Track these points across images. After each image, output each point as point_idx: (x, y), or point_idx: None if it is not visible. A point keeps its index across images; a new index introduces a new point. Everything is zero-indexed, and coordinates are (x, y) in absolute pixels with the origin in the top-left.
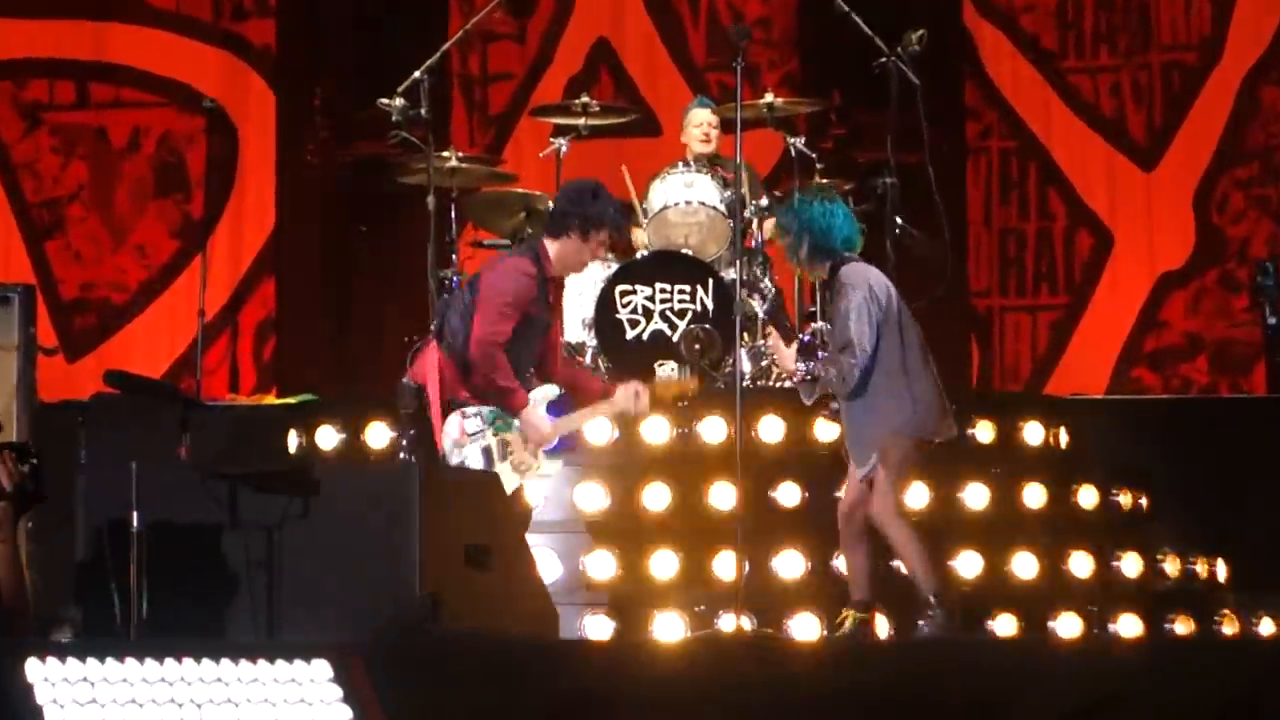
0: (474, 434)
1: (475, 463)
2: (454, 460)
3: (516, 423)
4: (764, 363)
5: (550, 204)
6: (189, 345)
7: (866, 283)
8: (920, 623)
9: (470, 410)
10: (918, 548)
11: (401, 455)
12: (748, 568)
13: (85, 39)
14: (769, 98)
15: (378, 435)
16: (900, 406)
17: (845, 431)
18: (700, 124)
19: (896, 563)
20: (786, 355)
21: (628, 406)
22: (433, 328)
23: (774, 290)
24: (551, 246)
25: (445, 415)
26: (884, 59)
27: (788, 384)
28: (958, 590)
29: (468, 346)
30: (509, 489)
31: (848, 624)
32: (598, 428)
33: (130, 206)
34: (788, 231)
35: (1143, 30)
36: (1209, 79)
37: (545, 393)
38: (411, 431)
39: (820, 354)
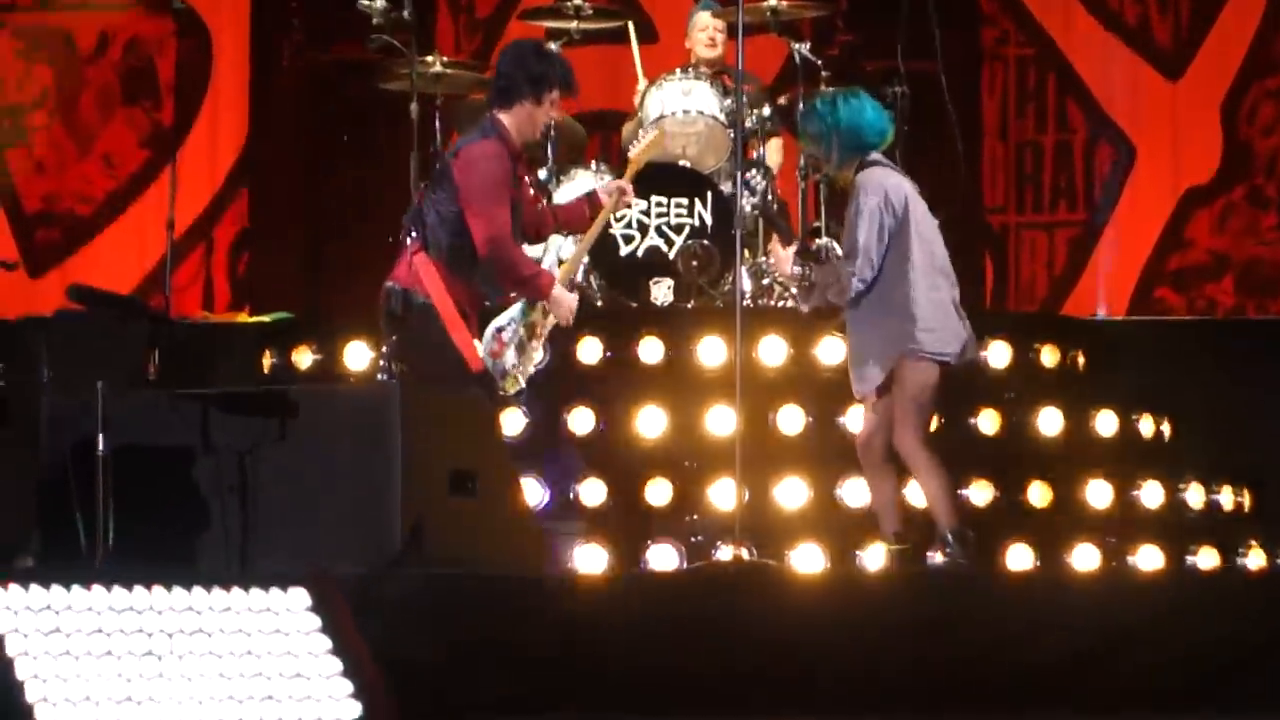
0: (510, 339)
1: (511, 361)
2: (497, 369)
3: (538, 302)
4: (765, 280)
5: (494, 75)
6: (159, 261)
7: (883, 188)
8: (931, 554)
9: (503, 320)
10: (942, 482)
11: (380, 375)
12: (747, 496)
13: None
14: (773, 1)
15: (357, 355)
16: (912, 325)
17: (848, 347)
18: (705, 28)
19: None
20: (783, 258)
21: (616, 207)
22: (412, 234)
23: (767, 185)
24: (505, 119)
25: (470, 328)
26: None
27: (790, 303)
28: (969, 520)
29: (461, 250)
30: (537, 357)
31: (884, 557)
32: (590, 348)
33: (97, 114)
34: (815, 137)
35: None
36: None
37: (555, 248)
38: (394, 338)
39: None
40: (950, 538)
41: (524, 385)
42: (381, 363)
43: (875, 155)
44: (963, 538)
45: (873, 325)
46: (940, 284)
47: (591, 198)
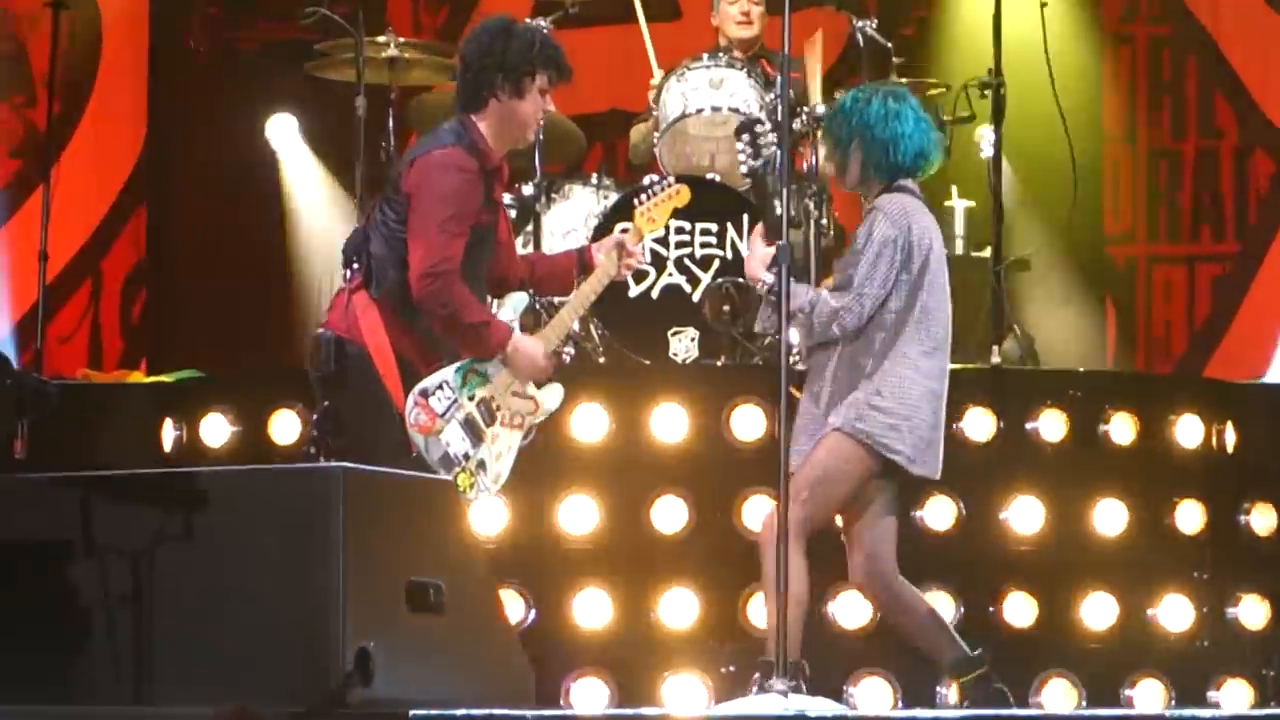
0: (445, 412)
1: (458, 445)
2: (433, 454)
3: (491, 368)
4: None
5: (459, 68)
6: (31, 305)
7: (906, 221)
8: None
9: (431, 384)
10: (798, 596)
11: (310, 447)
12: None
13: None
14: None
15: (286, 426)
16: (874, 404)
17: (801, 403)
18: (736, 1)
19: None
20: (757, 257)
21: (613, 270)
22: (353, 266)
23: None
24: (481, 122)
25: (405, 384)
26: None
27: None
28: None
29: (407, 283)
30: (513, 453)
31: (954, 693)
32: (590, 420)
33: None
34: (838, 140)
35: None
36: None
37: (515, 306)
38: (325, 404)
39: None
40: (776, 670)
41: (485, 494)
42: (312, 433)
43: (906, 181)
44: (800, 671)
45: (830, 383)
46: (934, 368)
47: (583, 255)
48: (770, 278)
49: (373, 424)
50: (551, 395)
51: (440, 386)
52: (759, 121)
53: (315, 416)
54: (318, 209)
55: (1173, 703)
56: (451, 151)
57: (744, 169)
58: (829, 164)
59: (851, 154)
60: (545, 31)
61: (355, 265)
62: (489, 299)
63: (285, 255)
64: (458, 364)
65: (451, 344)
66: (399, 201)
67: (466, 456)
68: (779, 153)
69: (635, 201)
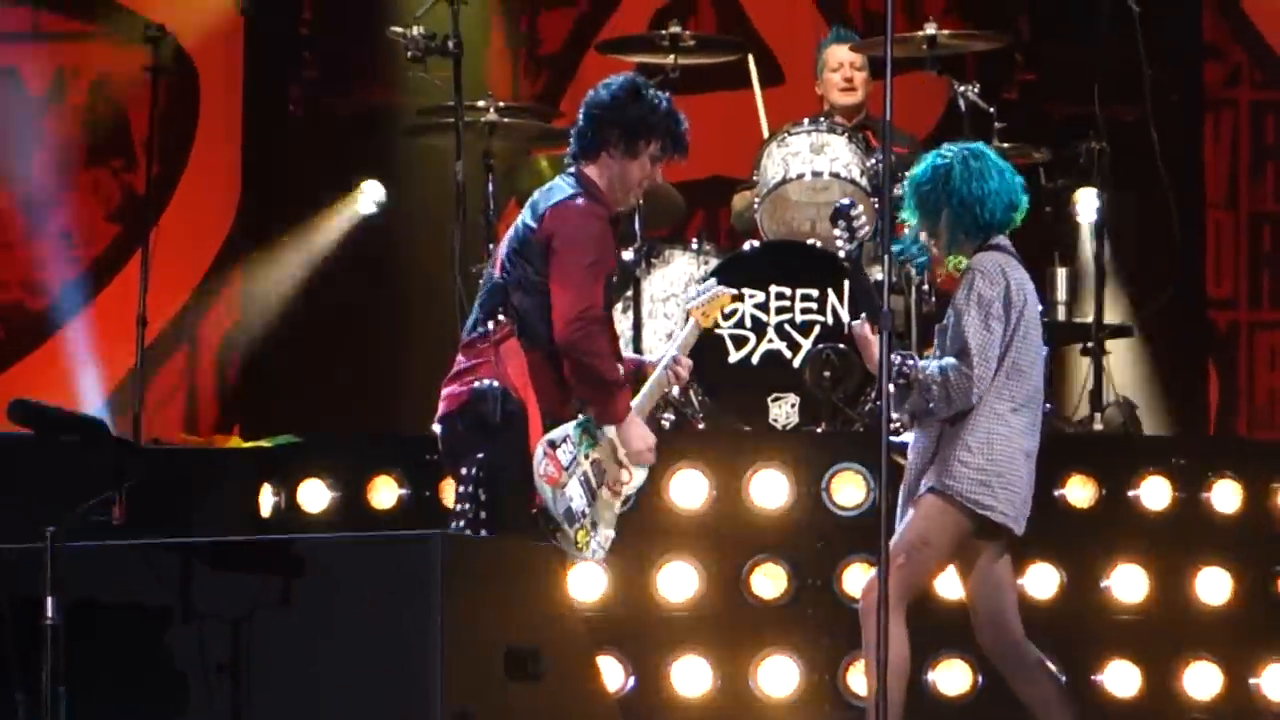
0: (569, 465)
1: (580, 501)
2: (559, 507)
3: (601, 432)
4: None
5: (579, 118)
6: (128, 369)
7: (1004, 279)
8: None
9: (557, 437)
10: (895, 665)
11: (457, 519)
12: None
13: None
14: (930, 29)
15: (384, 492)
16: (966, 462)
17: (911, 465)
18: (839, 66)
19: None
20: (872, 342)
21: (666, 387)
22: (498, 318)
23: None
24: (591, 173)
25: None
26: None
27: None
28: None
29: (550, 332)
30: (615, 518)
31: None
32: (690, 486)
33: (52, 177)
34: (925, 210)
35: None
36: None
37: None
38: (479, 455)
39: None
40: None
41: (598, 554)
42: (461, 490)
43: (999, 239)
44: None
45: (931, 446)
46: (1024, 424)
47: (641, 368)
48: (899, 359)
49: (528, 478)
50: (640, 473)
51: (565, 440)
52: (852, 205)
53: (463, 472)
54: (413, 274)
55: None
56: (581, 200)
57: (841, 253)
58: (924, 233)
59: (942, 221)
60: (670, 101)
61: (501, 317)
62: None
63: (380, 324)
64: (578, 420)
65: (579, 392)
66: (535, 252)
67: (584, 514)
68: (877, 229)
69: (687, 300)
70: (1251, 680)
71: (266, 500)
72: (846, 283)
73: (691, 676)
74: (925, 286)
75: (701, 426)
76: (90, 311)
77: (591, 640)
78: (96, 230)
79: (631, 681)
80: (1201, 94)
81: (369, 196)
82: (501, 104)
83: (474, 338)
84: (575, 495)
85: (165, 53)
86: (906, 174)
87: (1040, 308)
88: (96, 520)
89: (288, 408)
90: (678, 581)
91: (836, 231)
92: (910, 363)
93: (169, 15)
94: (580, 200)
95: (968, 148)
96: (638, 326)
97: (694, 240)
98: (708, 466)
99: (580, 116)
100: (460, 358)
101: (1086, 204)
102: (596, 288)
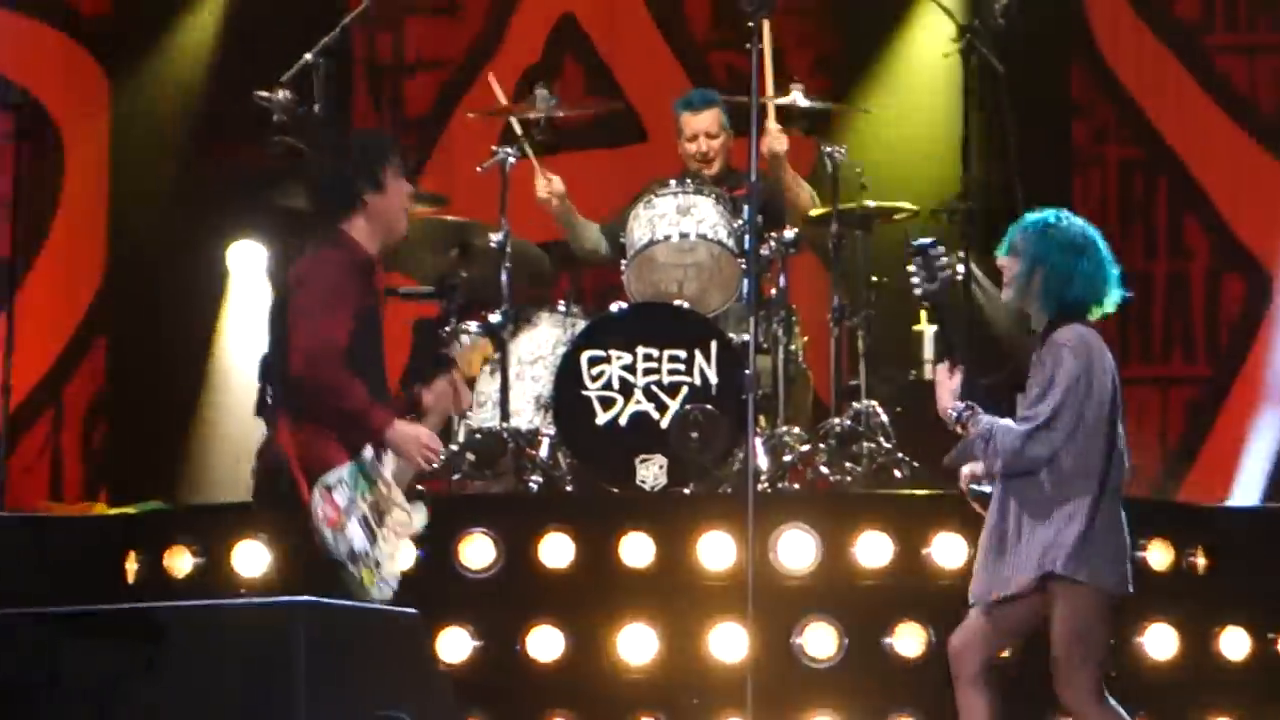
0: (347, 507)
1: (361, 541)
2: (340, 548)
3: (375, 474)
4: (787, 458)
5: (315, 190)
6: None
7: (1089, 358)
8: None
9: (331, 479)
10: None
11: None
12: None
13: None
14: (797, 92)
15: (250, 558)
16: (1071, 541)
17: (988, 534)
18: (694, 136)
19: None
20: (947, 386)
21: (442, 415)
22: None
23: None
24: (348, 229)
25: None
26: (957, 36)
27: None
28: None
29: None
30: (399, 559)
31: None
32: (557, 548)
33: None
34: (1023, 254)
35: None
36: None
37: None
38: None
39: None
40: None
41: (386, 592)
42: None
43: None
44: None
45: (1027, 522)
46: (1118, 499)
47: (414, 395)
48: (960, 409)
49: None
50: (419, 514)
51: (339, 483)
52: (933, 245)
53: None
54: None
55: None
56: (325, 251)
57: (919, 292)
58: (1007, 269)
59: (1034, 272)
60: (371, 131)
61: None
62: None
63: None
64: (350, 464)
65: (329, 427)
66: (281, 310)
67: (366, 554)
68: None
69: (453, 348)
70: None
71: (132, 567)
72: (714, 342)
73: None
74: (792, 347)
75: (569, 489)
76: None
77: (459, 703)
78: None
79: None
80: (1069, 152)
81: (243, 260)
82: None
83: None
84: (356, 536)
85: (28, 115)
86: (772, 234)
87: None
88: None
89: (153, 475)
90: (546, 643)
91: (912, 269)
92: (971, 412)
93: (34, 79)
94: (319, 251)
95: (1084, 225)
96: (504, 389)
97: (560, 302)
98: (575, 528)
99: (315, 185)
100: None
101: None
102: (334, 323)
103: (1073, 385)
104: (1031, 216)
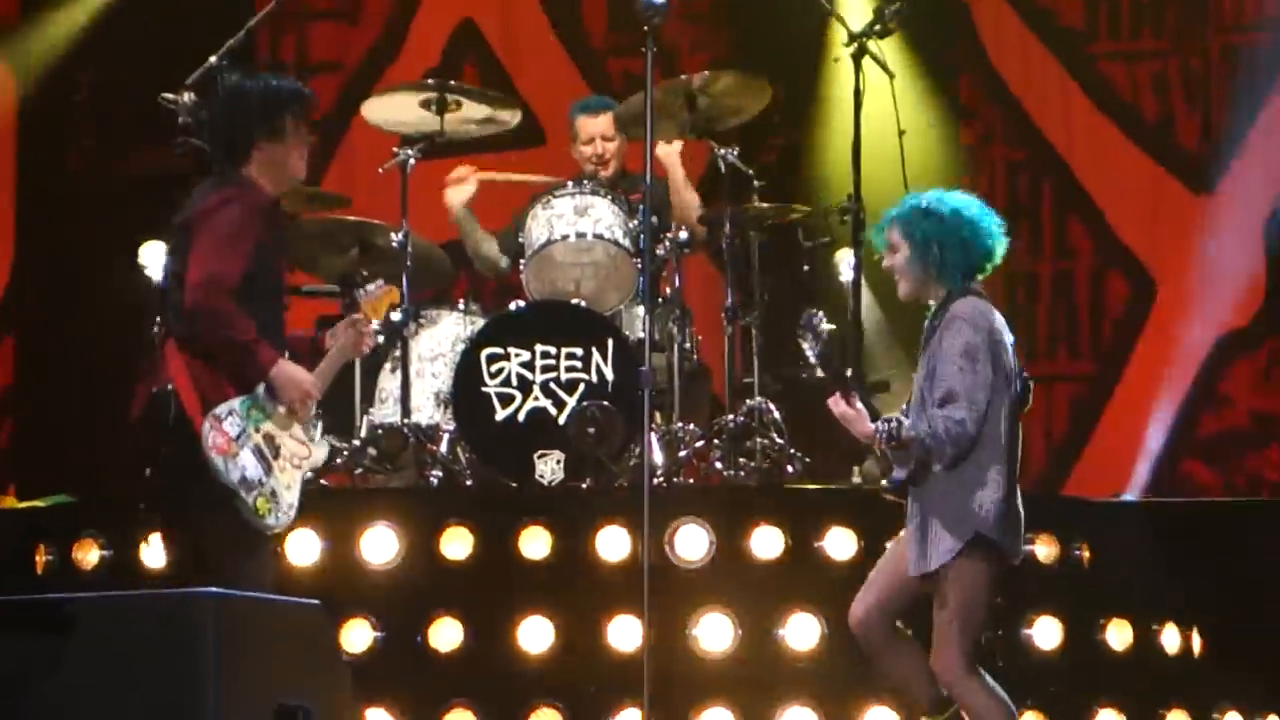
0: (238, 436)
1: (254, 470)
2: (232, 475)
3: (270, 406)
4: (683, 453)
5: (214, 132)
6: None
7: (989, 324)
8: None
9: (221, 410)
10: (1005, 714)
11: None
12: None
13: None
14: (697, 79)
15: (156, 551)
16: (986, 506)
17: (917, 520)
18: (590, 139)
19: None
20: (857, 415)
21: (351, 353)
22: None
23: (685, 329)
24: (252, 173)
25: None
26: (848, 41)
27: (721, 475)
28: None
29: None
30: (298, 489)
31: None
32: (457, 541)
33: None
34: (913, 238)
35: (1198, 4)
36: None
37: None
38: (166, 463)
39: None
40: None
41: (283, 520)
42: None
43: (973, 283)
44: None
45: (943, 494)
46: (1015, 462)
47: (316, 342)
48: (885, 426)
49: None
50: (320, 448)
51: (230, 413)
52: (813, 315)
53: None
54: None
55: None
56: (225, 190)
57: (812, 358)
58: (895, 262)
59: (928, 253)
60: (267, 75)
61: (159, 319)
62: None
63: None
64: (242, 397)
65: (217, 358)
66: (182, 246)
67: (261, 482)
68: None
69: (358, 294)
70: None
71: (40, 560)
72: (611, 341)
73: None
74: (687, 345)
75: (469, 483)
76: None
77: (361, 693)
78: None
79: None
80: (957, 154)
81: (154, 259)
82: None
83: (147, 338)
84: (249, 464)
85: None
86: (667, 235)
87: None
88: None
89: (60, 469)
90: (445, 634)
91: (805, 345)
92: (894, 424)
93: None
94: (221, 190)
95: (957, 194)
96: (405, 385)
97: (461, 301)
98: (475, 522)
99: (209, 129)
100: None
101: (845, 263)
102: (229, 260)
103: (977, 354)
104: (900, 206)
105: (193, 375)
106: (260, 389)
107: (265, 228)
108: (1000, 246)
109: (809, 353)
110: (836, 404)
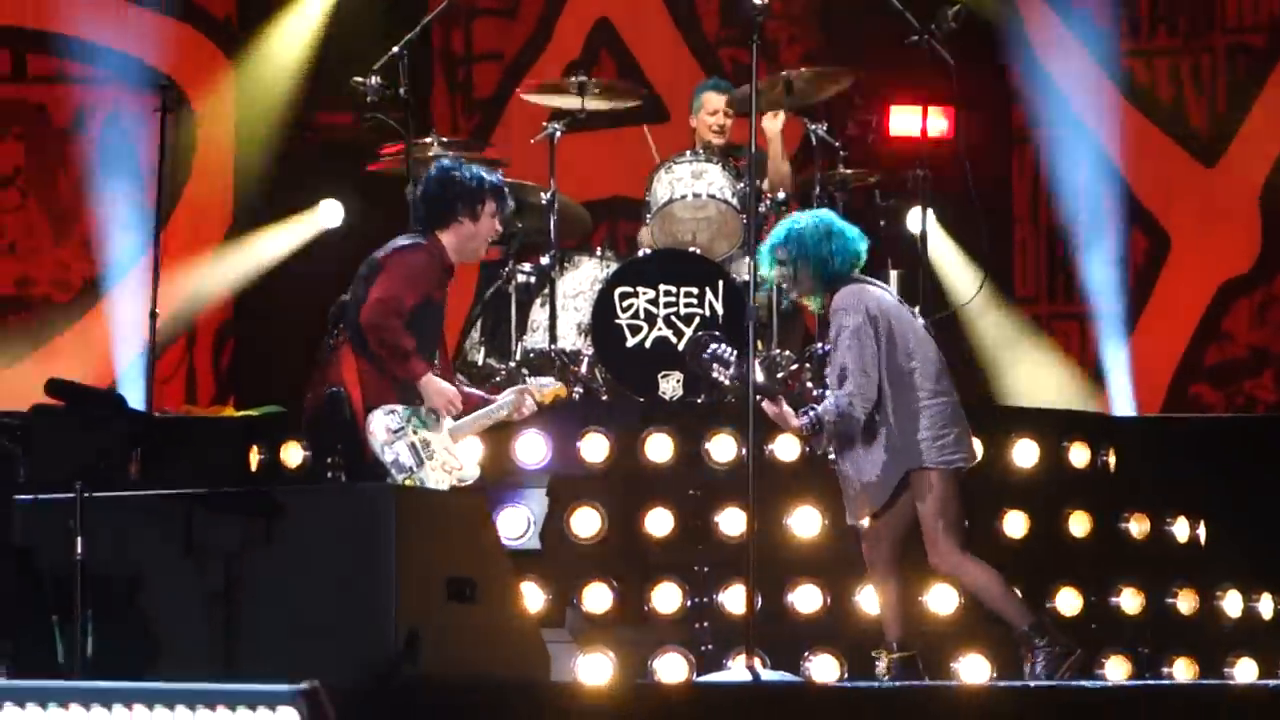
0: (398, 430)
1: (406, 459)
2: (387, 459)
3: (433, 418)
4: (781, 374)
5: (415, 201)
6: (139, 351)
7: (862, 305)
8: (1027, 664)
9: (388, 409)
10: (1000, 587)
11: (330, 474)
12: (760, 602)
13: (26, 3)
14: (786, 72)
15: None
16: (917, 437)
17: (846, 477)
18: (715, 111)
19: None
20: (785, 414)
21: (512, 413)
22: (337, 330)
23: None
24: (444, 238)
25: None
26: (915, 36)
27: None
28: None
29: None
30: (445, 487)
31: (881, 666)
32: (595, 445)
33: (74, 194)
34: (783, 263)
35: (1205, 10)
36: (1279, 64)
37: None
38: (339, 446)
39: (816, 394)
40: (1030, 632)
41: None
42: (330, 461)
43: (854, 273)
44: (1042, 629)
45: (874, 445)
46: (941, 389)
47: (484, 400)
48: (807, 418)
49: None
50: (473, 467)
51: (394, 413)
52: (706, 346)
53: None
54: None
55: None
56: (420, 246)
57: (727, 381)
58: (784, 280)
59: (800, 272)
60: (482, 166)
61: (339, 329)
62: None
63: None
64: (407, 406)
65: (383, 362)
66: (372, 274)
67: (411, 470)
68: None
69: (534, 380)
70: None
71: (255, 458)
72: (721, 282)
73: (598, 597)
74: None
75: (605, 398)
76: (103, 305)
77: (516, 570)
78: (111, 238)
79: (544, 600)
80: (1009, 132)
81: (329, 213)
82: (444, 139)
83: (323, 344)
84: (402, 453)
85: (169, 95)
86: (769, 195)
87: (902, 304)
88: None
89: (272, 384)
90: (586, 522)
91: (718, 376)
92: (815, 413)
93: (174, 67)
94: (418, 245)
95: (816, 214)
96: (553, 317)
97: (598, 249)
98: (610, 430)
99: (423, 197)
100: (318, 357)
101: (913, 219)
102: (408, 293)
103: (858, 334)
104: (773, 235)
105: (361, 378)
106: (423, 406)
107: (438, 285)
108: (862, 246)
109: (725, 380)
110: (769, 409)
